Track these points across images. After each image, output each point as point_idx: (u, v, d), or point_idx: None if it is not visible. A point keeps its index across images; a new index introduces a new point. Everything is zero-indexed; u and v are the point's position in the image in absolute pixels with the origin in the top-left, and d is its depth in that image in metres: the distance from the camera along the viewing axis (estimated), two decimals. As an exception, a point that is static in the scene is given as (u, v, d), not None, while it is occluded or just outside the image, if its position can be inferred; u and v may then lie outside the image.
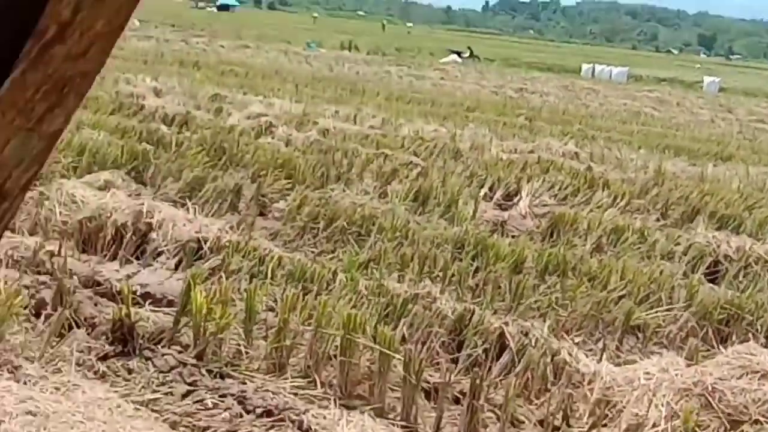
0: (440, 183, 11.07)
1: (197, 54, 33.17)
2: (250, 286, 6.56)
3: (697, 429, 5.28)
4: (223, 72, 26.04)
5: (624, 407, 5.59)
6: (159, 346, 5.86)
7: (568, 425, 5.68)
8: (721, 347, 6.58)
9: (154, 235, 7.75)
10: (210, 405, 5.31)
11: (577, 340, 6.80)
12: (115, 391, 5.16)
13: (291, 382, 5.64)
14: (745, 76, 73.44)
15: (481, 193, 11.26)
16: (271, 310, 6.50)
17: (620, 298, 7.56)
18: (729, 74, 66.14)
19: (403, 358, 5.51)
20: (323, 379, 5.69)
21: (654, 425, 5.39)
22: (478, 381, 5.40)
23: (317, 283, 7.02)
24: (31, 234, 7.59)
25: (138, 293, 6.43)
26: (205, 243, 7.62)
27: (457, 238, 8.65)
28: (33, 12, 0.78)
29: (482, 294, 7.45)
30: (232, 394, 5.39)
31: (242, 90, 20.48)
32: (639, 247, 9.46)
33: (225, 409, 5.28)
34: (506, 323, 6.37)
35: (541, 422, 5.65)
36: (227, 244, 7.57)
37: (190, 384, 5.50)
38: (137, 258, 7.58)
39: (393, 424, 5.27)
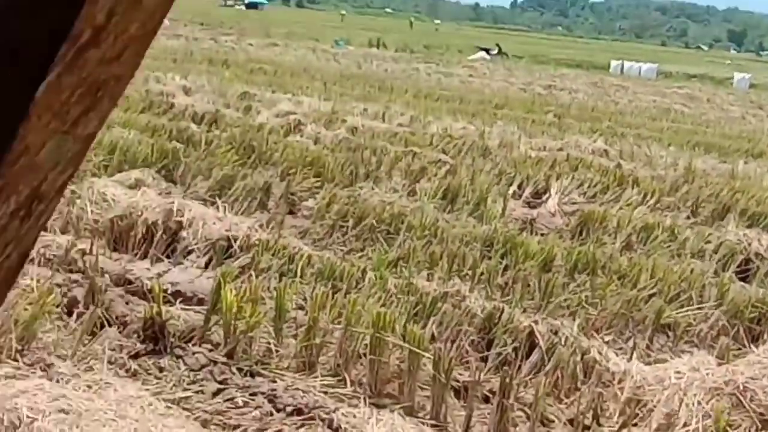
0: (469, 181, 11.05)
1: (226, 52, 33.24)
2: (279, 284, 6.58)
3: (728, 428, 5.25)
4: (252, 70, 26.10)
5: (654, 406, 5.57)
6: (190, 345, 5.89)
7: (599, 424, 5.66)
8: (752, 346, 6.54)
9: (184, 233, 7.78)
10: (240, 403, 5.33)
11: (607, 338, 6.77)
12: (147, 389, 5.18)
13: (321, 380, 5.65)
14: (776, 72, 72.87)
15: (510, 191, 11.23)
16: (301, 308, 6.52)
17: (650, 296, 7.52)
18: (759, 70, 65.56)
19: (432, 357, 5.51)
20: (353, 377, 5.70)
21: (685, 425, 5.36)
22: (507, 380, 5.39)
23: (347, 281, 7.03)
24: (63, 232, 7.64)
25: (169, 291, 6.47)
26: (235, 241, 7.64)
27: (486, 236, 8.63)
28: (68, 15, 0.79)
29: (511, 292, 7.44)
30: (263, 393, 5.41)
31: (271, 88, 20.52)
32: (669, 245, 9.41)
33: (255, 408, 5.29)
34: (536, 322, 6.36)
35: (571, 421, 5.63)
36: (257, 242, 7.60)
37: (220, 382, 5.52)
38: (168, 256, 7.62)
39: (422, 423, 5.27)
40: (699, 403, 5.41)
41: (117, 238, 7.81)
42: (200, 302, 6.48)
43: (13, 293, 5.28)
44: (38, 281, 6.03)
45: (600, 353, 6.09)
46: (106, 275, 6.83)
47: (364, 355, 5.74)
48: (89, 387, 4.95)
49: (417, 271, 7.58)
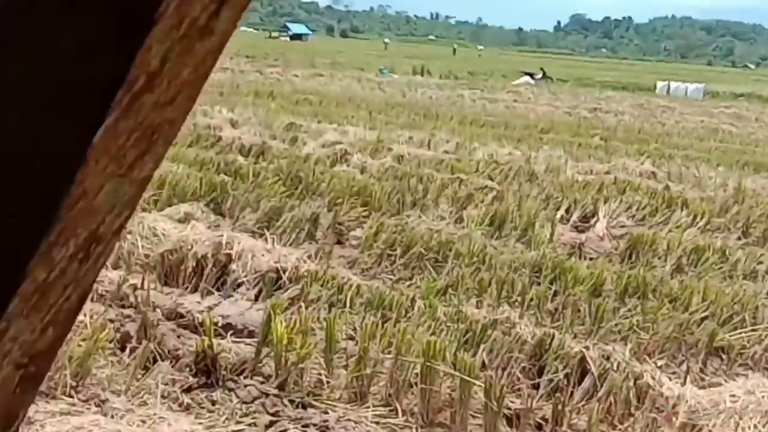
0: (516, 206, 11.03)
1: (272, 84, 33.50)
2: (329, 315, 6.59)
3: (786, 452, 5.17)
4: (297, 101, 26.27)
5: (710, 431, 5.50)
6: (241, 377, 5.91)
7: (654, 450, 5.60)
8: (808, 368, 6.45)
9: (233, 266, 7.83)
10: (293, 434, 5.34)
11: (659, 363, 6.71)
12: (200, 423, 5.21)
13: (372, 410, 5.65)
14: (825, 89, 72.09)
15: (558, 216, 11.19)
16: (351, 338, 6.53)
17: (703, 319, 7.45)
18: (808, 88, 64.90)
19: (483, 385, 5.49)
20: (404, 407, 5.69)
21: (742, 449, 5.29)
22: (560, 406, 5.36)
23: (396, 310, 7.03)
24: (115, 268, 7.71)
25: (219, 324, 6.50)
26: (284, 273, 7.67)
27: (534, 262, 8.60)
28: (122, 63, 0.81)
29: (561, 318, 7.40)
30: (315, 424, 5.41)
31: (317, 118, 20.63)
32: (720, 267, 9.32)
33: (308, 439, 5.30)
34: (587, 347, 6.32)
35: (625, 447, 5.58)
36: (306, 273, 7.62)
37: (272, 414, 5.54)
38: (218, 289, 7.66)
39: (476, 451, 5.25)
40: (755, 426, 5.34)
41: (167, 272, 7.87)
42: (251, 334, 6.51)
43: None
44: (91, 317, 6.09)
45: (653, 378, 6.03)
46: (158, 309, 6.89)
47: (415, 384, 5.73)
48: (143, 422, 4.99)
49: (466, 298, 7.57)
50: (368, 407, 5.69)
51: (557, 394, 5.77)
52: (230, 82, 30.80)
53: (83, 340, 5.65)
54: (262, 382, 5.86)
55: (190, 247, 7.94)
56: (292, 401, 5.68)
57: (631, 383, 5.96)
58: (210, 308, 6.97)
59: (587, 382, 6.07)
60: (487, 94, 37.85)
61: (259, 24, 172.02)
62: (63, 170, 0.80)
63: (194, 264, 7.84)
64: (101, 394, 5.39)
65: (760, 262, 9.41)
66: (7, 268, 0.77)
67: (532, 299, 7.67)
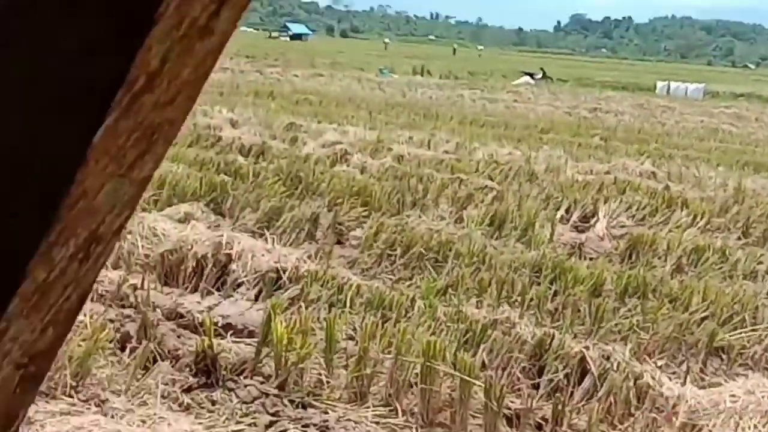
0: (516, 207, 11.03)
1: (272, 84, 33.48)
2: (329, 315, 6.60)
3: (786, 452, 5.17)
4: (297, 101, 26.26)
5: (710, 431, 5.50)
6: (241, 377, 5.91)
7: (654, 450, 5.60)
8: (808, 368, 6.45)
9: (233, 266, 7.83)
10: (293, 434, 5.34)
11: (659, 363, 6.71)
12: (200, 423, 5.21)
13: (372, 410, 5.65)
14: (825, 89, 72.11)
15: (558, 216, 11.19)
16: (351, 338, 6.53)
17: (703, 319, 7.45)
18: (808, 88, 64.92)
19: (483, 385, 5.49)
20: (404, 407, 5.69)
21: (742, 449, 5.29)
22: (560, 406, 5.36)
23: (396, 310, 7.03)
24: (115, 268, 7.71)
25: (219, 324, 6.50)
26: (284, 273, 7.67)
27: (534, 262, 8.60)
28: (121, 62, 0.81)
29: (561, 318, 7.40)
30: (315, 424, 5.42)
31: (317, 118, 20.62)
32: (720, 267, 9.32)
33: (308, 439, 5.30)
34: (587, 347, 6.32)
35: (625, 447, 5.58)
36: (306, 273, 7.62)
37: (272, 414, 5.54)
38: (218, 289, 7.66)
39: (476, 451, 5.25)
40: (755, 426, 5.34)
41: (167, 272, 7.87)
42: (251, 334, 6.51)
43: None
44: (91, 317, 6.09)
45: (653, 378, 6.03)
46: (158, 309, 6.89)
47: (415, 384, 5.73)
48: (143, 422, 4.99)
49: (466, 298, 7.57)
50: (368, 407, 5.69)
51: (557, 394, 5.77)
52: (230, 82, 30.79)
53: (83, 340, 5.65)
54: (262, 382, 5.86)
55: (190, 247, 7.94)
56: (292, 401, 5.68)
57: (631, 383, 5.96)
58: (210, 308, 6.97)
59: (587, 382, 6.07)
60: (487, 94, 37.84)
61: (259, 24, 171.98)
62: (63, 170, 0.80)
63: (194, 264, 7.84)
64: (101, 394, 5.39)
65: (760, 262, 9.41)
66: (7, 268, 0.77)
67: (532, 299, 7.67)
